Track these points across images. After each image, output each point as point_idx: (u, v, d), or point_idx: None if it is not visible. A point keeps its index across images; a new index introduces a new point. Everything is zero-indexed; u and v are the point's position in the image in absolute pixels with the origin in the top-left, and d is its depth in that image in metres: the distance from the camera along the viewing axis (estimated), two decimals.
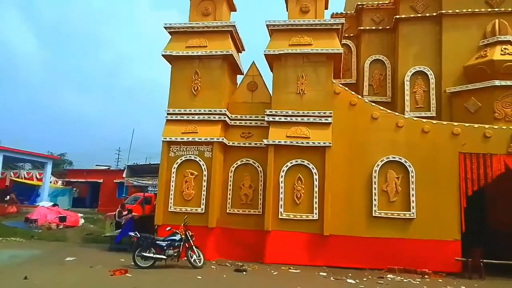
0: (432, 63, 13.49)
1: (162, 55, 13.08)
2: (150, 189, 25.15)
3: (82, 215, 23.06)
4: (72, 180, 35.25)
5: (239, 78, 14.32)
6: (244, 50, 14.72)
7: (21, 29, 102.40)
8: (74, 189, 35.35)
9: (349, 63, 15.12)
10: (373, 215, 11.42)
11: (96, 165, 39.08)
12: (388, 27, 14.89)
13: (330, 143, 11.63)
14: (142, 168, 23.98)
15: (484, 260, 10.48)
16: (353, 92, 12.45)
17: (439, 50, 13.50)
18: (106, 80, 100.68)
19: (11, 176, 32.15)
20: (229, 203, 12.62)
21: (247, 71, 13.64)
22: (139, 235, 10.39)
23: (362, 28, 15.09)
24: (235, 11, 14.65)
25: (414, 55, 13.68)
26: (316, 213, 11.55)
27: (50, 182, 30.48)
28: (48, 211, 20.09)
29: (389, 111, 12.07)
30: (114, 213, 16.18)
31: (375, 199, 11.48)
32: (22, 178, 31.98)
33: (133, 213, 15.56)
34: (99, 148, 77.89)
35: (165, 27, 13.28)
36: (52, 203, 22.94)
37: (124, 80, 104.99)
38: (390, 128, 11.76)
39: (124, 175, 23.52)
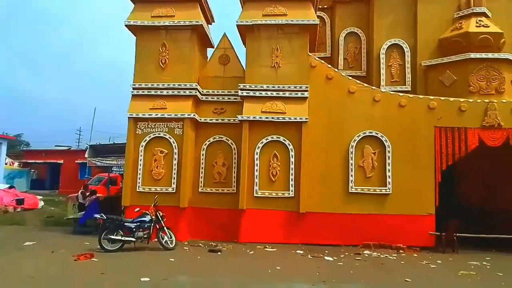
0: (407, 36, 13.24)
1: (126, 25, 12.04)
2: (115, 169, 24.12)
3: (41, 197, 21.86)
4: (29, 161, 33.31)
5: (210, 51, 13.58)
6: (213, 22, 13.87)
7: None
8: (32, 170, 33.52)
9: (323, 36, 14.62)
10: (350, 191, 11.26)
11: (56, 146, 37.12)
12: None
13: (306, 119, 11.26)
14: (105, 148, 22.84)
15: (458, 234, 10.61)
16: (329, 66, 12.06)
17: (414, 23, 13.23)
18: (64, 60, 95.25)
19: None
20: (201, 182, 12.07)
21: (218, 43, 12.88)
22: (105, 217, 9.70)
23: None
24: None
25: (389, 27, 13.36)
26: (292, 191, 11.25)
27: (6, 163, 28.59)
28: (4, 193, 18.79)
29: (366, 85, 11.80)
30: (77, 194, 15.27)
31: (351, 175, 11.30)
32: None
33: (97, 194, 14.70)
34: (59, 129, 74.24)
35: None
36: (8, 185, 21.50)
37: (83, 60, 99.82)
38: (367, 102, 11.51)
39: (86, 155, 22.31)
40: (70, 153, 34.19)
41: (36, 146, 40.32)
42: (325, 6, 14.74)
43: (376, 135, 11.35)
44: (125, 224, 9.64)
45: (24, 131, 54.72)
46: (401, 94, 11.72)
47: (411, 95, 11.70)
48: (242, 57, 12.44)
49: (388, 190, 11.15)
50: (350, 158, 11.34)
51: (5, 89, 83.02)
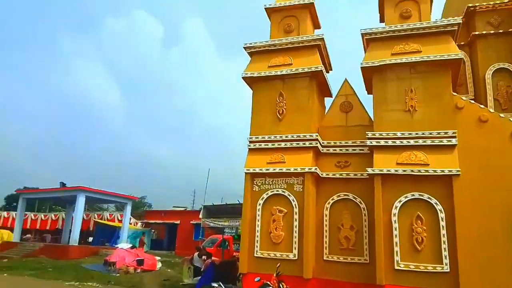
0: None
1: (243, 78, 11.73)
2: (227, 230, 23.63)
3: (159, 258, 22.12)
4: (150, 221, 35.16)
5: (327, 101, 12.50)
6: (331, 70, 12.92)
7: (105, 81, 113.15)
8: (153, 230, 35.13)
9: (462, 76, 12.45)
10: None
11: (173, 206, 38.94)
12: (510, 29, 12.11)
13: (458, 171, 9.02)
14: (218, 208, 22.71)
15: None
16: (482, 106, 9.84)
17: None
18: (179, 127, 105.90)
19: (94, 218, 32.94)
20: (326, 248, 10.38)
21: (339, 90, 11.73)
22: (223, 286, 8.53)
23: (477, 33, 12.45)
24: (319, 28, 13.08)
25: None
26: (446, 264, 8.80)
27: (130, 223, 30.43)
28: (127, 253, 19.33)
29: None
30: (192, 256, 14.68)
31: None
32: (105, 220, 32.53)
33: (213, 258, 13.86)
34: (176, 191, 79.57)
35: (244, 47, 12.04)
36: (130, 245, 22.31)
37: (195, 126, 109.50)
38: None
39: (200, 216, 22.37)
40: (186, 213, 35.29)
41: (157, 208, 43.04)
42: (462, 43, 12.71)
43: None
44: None
45: (148, 193, 59.70)
46: None
47: None
48: (366, 104, 11.12)
49: None
50: None
51: (135, 156, 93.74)
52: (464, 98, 9.92)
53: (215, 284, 8.85)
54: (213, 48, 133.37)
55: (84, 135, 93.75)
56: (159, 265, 20.30)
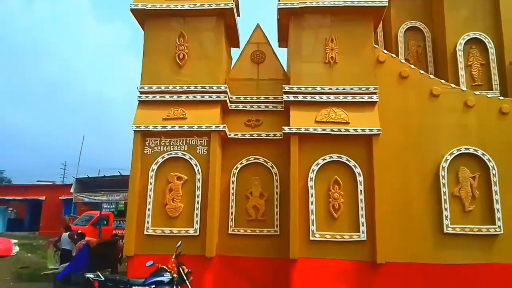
0: (489, 30, 10.48)
1: (131, 10, 9.13)
2: (106, 206, 20.64)
3: (16, 241, 18.15)
4: (7, 198, 29.28)
5: (235, 53, 10.76)
6: (239, 16, 11.08)
7: None
8: (10, 209, 29.51)
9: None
10: (445, 231, 8.08)
11: (38, 181, 33.32)
12: None
13: (379, 130, 8.21)
14: (94, 181, 19.41)
15: None
16: (403, 61, 9.22)
17: (496, 13, 10.58)
18: (49, 93, 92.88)
19: None
20: (231, 220, 8.80)
21: (250, 38, 9.94)
22: (102, 278, 6.32)
23: None
24: None
25: (465, 19, 10.52)
26: (363, 231, 8.00)
27: None
28: None
29: (453, 85, 8.90)
30: (58, 238, 11.84)
31: (445, 209, 8.16)
32: None
33: (87, 238, 11.24)
34: (42, 164, 69.52)
35: None
36: None
37: (68, 93, 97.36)
38: (457, 108, 8.59)
39: (72, 190, 18.91)
40: (54, 188, 30.39)
41: (17, 182, 36.31)
42: None
43: (475, 152, 8.33)
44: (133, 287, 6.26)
45: (8, 167, 50.63)
46: (501, 97, 8.90)
47: None
48: (280, 56, 9.73)
49: (498, 230, 8.02)
50: (442, 185, 8.24)
51: None
52: (385, 51, 9.13)
53: (90, 276, 6.52)
54: (88, 7, 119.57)
55: None
56: (16, 249, 16.63)
